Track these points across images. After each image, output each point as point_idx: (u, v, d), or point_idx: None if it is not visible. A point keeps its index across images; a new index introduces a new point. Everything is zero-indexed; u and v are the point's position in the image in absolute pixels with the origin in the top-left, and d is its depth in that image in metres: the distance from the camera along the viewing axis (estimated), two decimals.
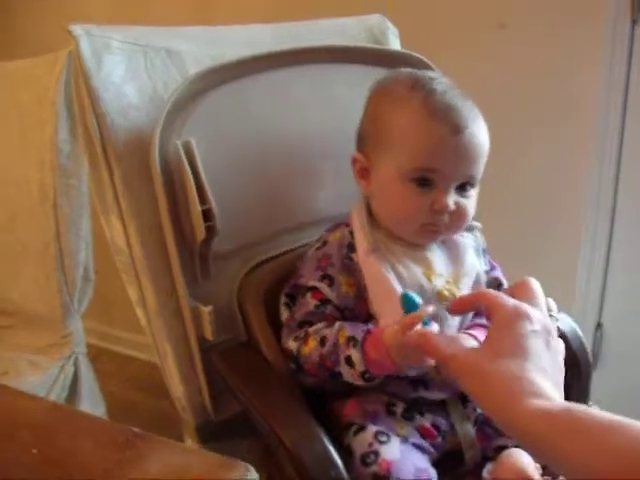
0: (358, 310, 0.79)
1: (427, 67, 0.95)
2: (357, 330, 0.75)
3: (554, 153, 1.26)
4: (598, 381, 0.88)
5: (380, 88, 0.81)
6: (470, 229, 0.87)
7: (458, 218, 0.79)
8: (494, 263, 0.89)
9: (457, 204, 0.77)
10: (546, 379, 0.55)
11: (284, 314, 0.83)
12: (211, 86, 0.83)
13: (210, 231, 0.79)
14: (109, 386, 1.59)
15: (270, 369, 0.79)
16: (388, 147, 0.78)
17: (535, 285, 0.65)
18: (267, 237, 0.90)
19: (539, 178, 1.29)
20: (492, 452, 0.80)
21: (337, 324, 0.77)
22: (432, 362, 0.69)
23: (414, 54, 0.96)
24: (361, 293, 0.79)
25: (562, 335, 0.85)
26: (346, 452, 0.73)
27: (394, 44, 1.07)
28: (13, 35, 1.87)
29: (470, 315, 0.82)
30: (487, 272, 0.87)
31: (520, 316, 0.59)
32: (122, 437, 0.47)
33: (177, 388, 0.90)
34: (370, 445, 0.73)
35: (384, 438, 0.74)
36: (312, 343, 0.77)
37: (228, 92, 0.85)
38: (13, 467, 0.45)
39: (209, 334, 0.84)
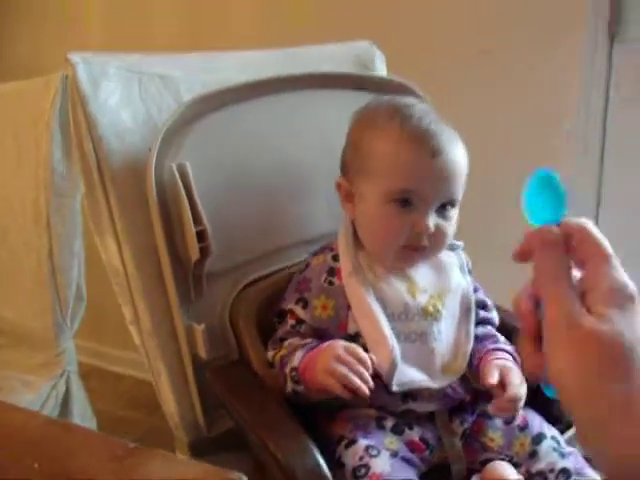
0: (334, 330, 0.82)
1: (411, 92, 0.98)
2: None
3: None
4: None
5: (360, 117, 0.85)
6: (453, 248, 0.90)
7: (437, 241, 0.82)
8: (477, 285, 0.91)
9: (437, 227, 0.80)
10: None
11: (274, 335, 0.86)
12: (205, 111, 0.86)
13: (204, 252, 0.82)
14: (100, 403, 1.59)
15: (262, 385, 0.82)
16: (369, 173, 0.81)
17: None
18: (259, 256, 0.92)
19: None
20: (478, 466, 0.82)
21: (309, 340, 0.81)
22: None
23: (398, 80, 1.00)
24: (341, 314, 0.82)
25: None
26: (336, 465, 0.76)
27: (381, 69, 1.11)
28: (9, 59, 1.90)
29: (469, 325, 0.85)
30: (475, 290, 0.89)
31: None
32: (119, 449, 0.49)
33: (170, 406, 0.92)
34: (361, 459, 0.75)
35: (374, 452, 0.76)
36: (282, 351, 0.81)
37: (221, 117, 0.88)
38: None
39: (202, 352, 0.86)
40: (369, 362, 0.74)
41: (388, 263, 0.83)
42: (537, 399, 0.84)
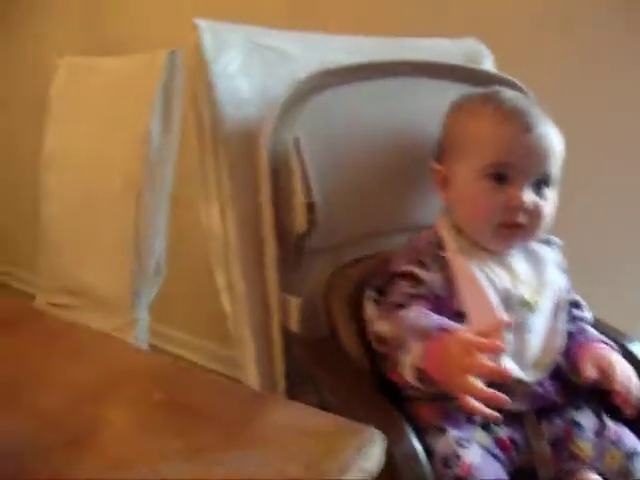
0: (447, 304, 0.79)
1: (518, 88, 0.97)
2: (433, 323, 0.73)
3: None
4: None
5: (455, 105, 0.87)
6: (550, 243, 0.89)
7: (534, 219, 0.80)
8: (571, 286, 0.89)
9: (533, 203, 0.79)
10: None
11: (369, 308, 0.83)
12: (323, 87, 0.86)
13: (311, 224, 0.81)
14: None
15: (354, 366, 0.80)
16: (464, 152, 0.83)
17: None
18: (359, 238, 0.92)
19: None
20: (564, 474, 0.79)
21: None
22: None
23: (505, 76, 0.99)
24: (449, 289, 0.80)
25: None
26: (425, 452, 0.74)
27: (489, 66, 1.10)
28: (111, 34, 1.96)
29: (559, 323, 0.83)
30: (568, 291, 0.87)
31: None
32: (244, 394, 0.49)
33: (251, 376, 0.91)
34: (451, 448, 0.73)
35: (465, 443, 0.74)
36: (396, 329, 0.75)
37: (338, 95, 0.88)
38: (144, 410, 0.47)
39: (295, 326, 0.86)
40: (509, 374, 0.69)
41: (485, 242, 0.82)
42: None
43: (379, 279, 0.84)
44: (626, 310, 1.24)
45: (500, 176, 0.79)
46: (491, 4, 1.30)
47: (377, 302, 0.83)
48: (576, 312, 0.88)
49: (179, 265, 1.58)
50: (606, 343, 0.83)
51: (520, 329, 0.80)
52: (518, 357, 0.80)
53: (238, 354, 0.94)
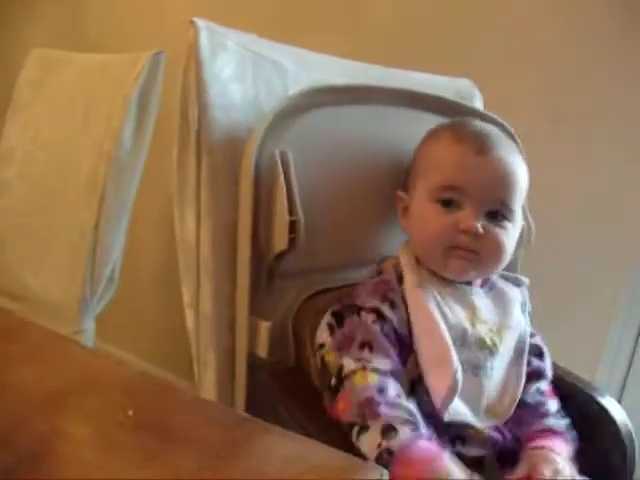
0: (408, 342, 0.75)
1: (509, 132, 0.95)
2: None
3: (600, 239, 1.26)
4: None
5: (425, 134, 0.85)
6: (518, 284, 0.86)
7: (489, 248, 0.77)
8: (534, 330, 0.86)
9: (486, 229, 0.76)
10: None
11: (324, 334, 0.78)
12: (315, 105, 0.83)
13: (291, 243, 0.77)
14: None
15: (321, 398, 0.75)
16: (421, 174, 0.81)
17: None
18: (335, 266, 0.88)
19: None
20: None
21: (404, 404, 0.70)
22: None
23: (493, 116, 0.97)
24: (409, 327, 0.75)
25: (614, 427, 0.83)
26: None
27: (479, 107, 1.09)
28: (92, 33, 1.89)
29: (519, 369, 0.79)
30: (531, 335, 0.84)
31: None
32: (230, 418, 0.43)
33: (209, 398, 0.85)
34: None
35: None
36: (371, 377, 0.71)
37: (327, 115, 0.85)
38: (110, 427, 0.41)
39: (263, 351, 0.80)
40: None
41: (438, 269, 0.78)
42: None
43: (341, 307, 0.80)
44: (586, 351, 1.24)
45: (449, 201, 0.76)
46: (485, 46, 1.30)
47: (332, 327, 0.78)
48: (536, 363, 0.83)
49: (131, 277, 1.50)
50: (553, 431, 0.78)
51: (477, 371, 0.76)
52: (472, 400, 0.76)
53: (197, 374, 0.88)
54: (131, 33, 1.78)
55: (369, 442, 0.67)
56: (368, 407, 0.68)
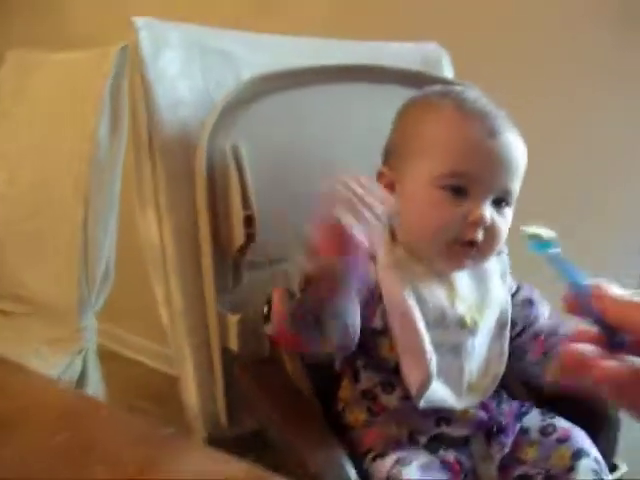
0: (366, 320, 0.72)
1: None
2: None
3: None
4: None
5: (409, 103, 0.78)
6: (498, 252, 0.81)
7: (491, 239, 0.73)
8: (519, 284, 0.83)
9: (493, 220, 0.72)
10: None
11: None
12: (265, 92, 0.82)
13: (249, 238, 0.77)
14: (109, 388, 1.55)
15: (295, 389, 0.76)
16: (418, 154, 0.73)
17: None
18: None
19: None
20: None
21: None
22: None
23: (463, 83, 0.94)
24: (372, 305, 0.73)
25: None
26: (364, 478, 0.70)
27: (448, 72, 1.06)
28: (69, 27, 1.89)
29: (502, 344, 0.78)
30: (513, 295, 0.81)
31: None
32: (155, 435, 0.44)
33: (192, 395, 0.87)
34: (390, 469, 0.69)
35: (405, 462, 0.70)
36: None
37: (281, 100, 0.84)
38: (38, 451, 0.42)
39: (234, 344, 0.81)
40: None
41: (434, 261, 0.74)
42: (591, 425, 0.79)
43: None
44: None
45: (459, 188, 0.71)
46: (456, 9, 1.25)
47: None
48: (529, 311, 0.81)
49: (133, 267, 1.52)
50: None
51: (457, 352, 0.75)
52: (453, 381, 0.75)
53: (178, 371, 0.90)
54: (104, 28, 1.77)
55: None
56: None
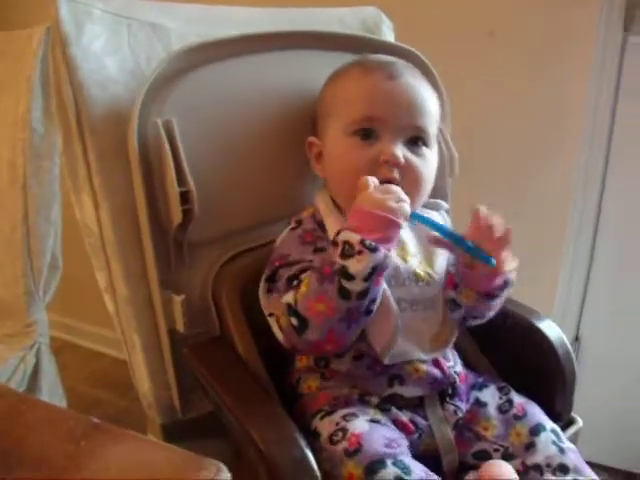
0: None
1: (415, 57, 0.91)
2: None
3: (542, 156, 1.24)
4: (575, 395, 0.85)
5: (330, 75, 0.83)
6: (437, 208, 0.85)
7: (410, 177, 0.75)
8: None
9: (407, 159, 0.74)
10: None
11: (264, 299, 0.76)
12: (195, 64, 0.79)
13: (187, 215, 0.74)
14: (70, 381, 1.52)
15: (244, 367, 0.75)
16: (333, 114, 0.78)
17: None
18: (246, 227, 0.85)
19: (526, 180, 1.27)
20: (471, 458, 0.76)
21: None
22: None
23: (405, 46, 0.92)
24: None
25: (548, 343, 0.83)
26: (312, 437, 0.69)
27: (388, 37, 1.04)
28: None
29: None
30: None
31: None
32: (80, 428, 0.42)
33: (143, 382, 0.85)
34: (337, 424, 0.69)
35: (351, 417, 0.69)
36: (307, 278, 0.69)
37: (213, 72, 0.81)
38: None
39: (180, 326, 0.79)
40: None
41: None
42: (539, 393, 0.80)
43: (272, 270, 0.77)
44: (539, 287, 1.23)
45: (367, 132, 0.74)
46: None
47: (270, 291, 0.76)
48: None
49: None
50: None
51: (415, 306, 0.76)
52: (416, 335, 0.75)
53: (128, 357, 0.87)
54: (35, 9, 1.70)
55: (353, 258, 0.65)
56: (322, 270, 0.66)
